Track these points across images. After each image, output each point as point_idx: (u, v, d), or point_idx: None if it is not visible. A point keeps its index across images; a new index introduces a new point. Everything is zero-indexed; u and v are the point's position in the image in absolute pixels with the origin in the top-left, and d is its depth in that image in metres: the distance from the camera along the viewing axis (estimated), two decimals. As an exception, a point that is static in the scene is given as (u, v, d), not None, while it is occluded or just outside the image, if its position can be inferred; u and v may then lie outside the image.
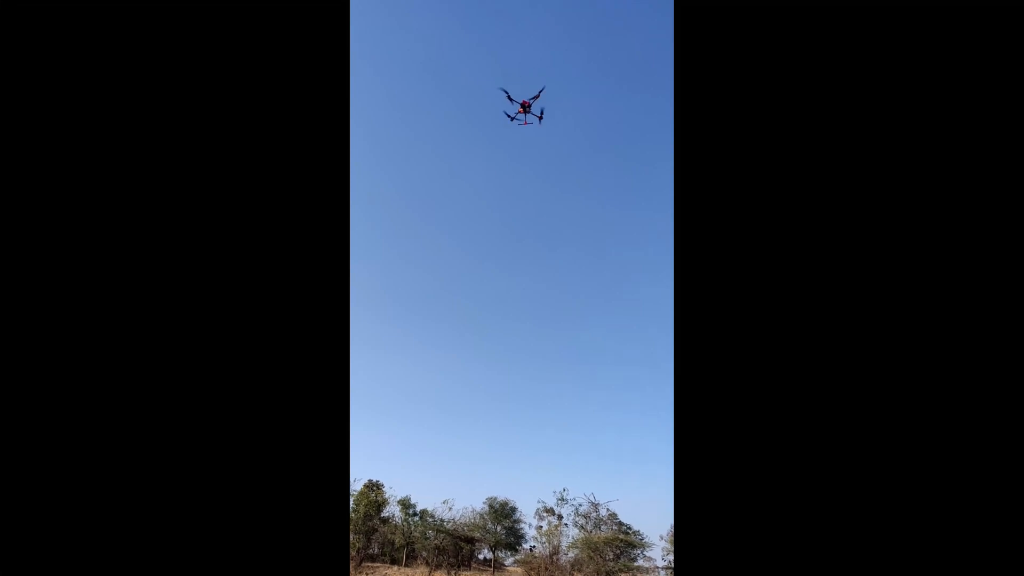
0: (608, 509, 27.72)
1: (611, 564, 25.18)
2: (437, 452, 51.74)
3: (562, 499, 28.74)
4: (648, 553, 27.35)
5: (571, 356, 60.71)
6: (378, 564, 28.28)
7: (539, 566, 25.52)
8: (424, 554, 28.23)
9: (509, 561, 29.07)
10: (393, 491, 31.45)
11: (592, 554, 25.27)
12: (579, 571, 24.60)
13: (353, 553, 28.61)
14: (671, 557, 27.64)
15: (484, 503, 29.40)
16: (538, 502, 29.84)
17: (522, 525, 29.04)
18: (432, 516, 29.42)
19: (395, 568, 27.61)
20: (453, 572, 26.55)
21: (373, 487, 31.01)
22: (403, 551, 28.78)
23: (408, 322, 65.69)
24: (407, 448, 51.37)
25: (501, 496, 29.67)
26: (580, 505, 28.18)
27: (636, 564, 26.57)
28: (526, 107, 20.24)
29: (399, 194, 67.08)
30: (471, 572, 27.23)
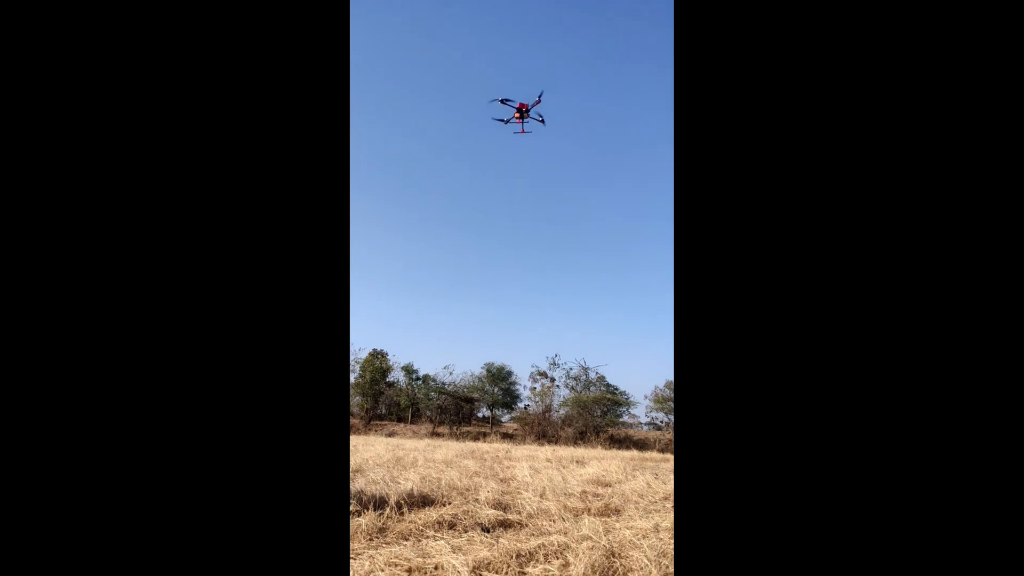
0: (597, 372, 29.76)
1: (599, 420, 27.72)
2: (437, 322, 54.22)
3: (554, 364, 30.73)
4: (633, 411, 30.01)
5: (566, 219, 60.66)
6: (385, 422, 31.11)
7: (532, 422, 28.09)
8: (428, 413, 30.95)
9: (505, 418, 31.91)
10: (397, 358, 33.57)
11: (581, 411, 27.70)
12: (569, 426, 27.11)
13: (362, 413, 31.42)
14: (654, 414, 30.34)
15: (482, 368, 31.54)
16: (532, 367, 32.00)
17: (517, 387, 31.41)
18: (434, 380, 31.76)
19: (401, 425, 30.42)
20: (455, 428, 29.30)
21: (378, 355, 32.99)
22: (408, 411, 31.47)
23: (405, 196, 64.64)
24: (410, 318, 53.75)
25: (498, 361, 31.75)
26: (571, 369, 30.23)
27: (621, 420, 29.24)
28: (523, 111, 17.94)
29: (396, 72, 61.85)
30: (471, 427, 30.03)
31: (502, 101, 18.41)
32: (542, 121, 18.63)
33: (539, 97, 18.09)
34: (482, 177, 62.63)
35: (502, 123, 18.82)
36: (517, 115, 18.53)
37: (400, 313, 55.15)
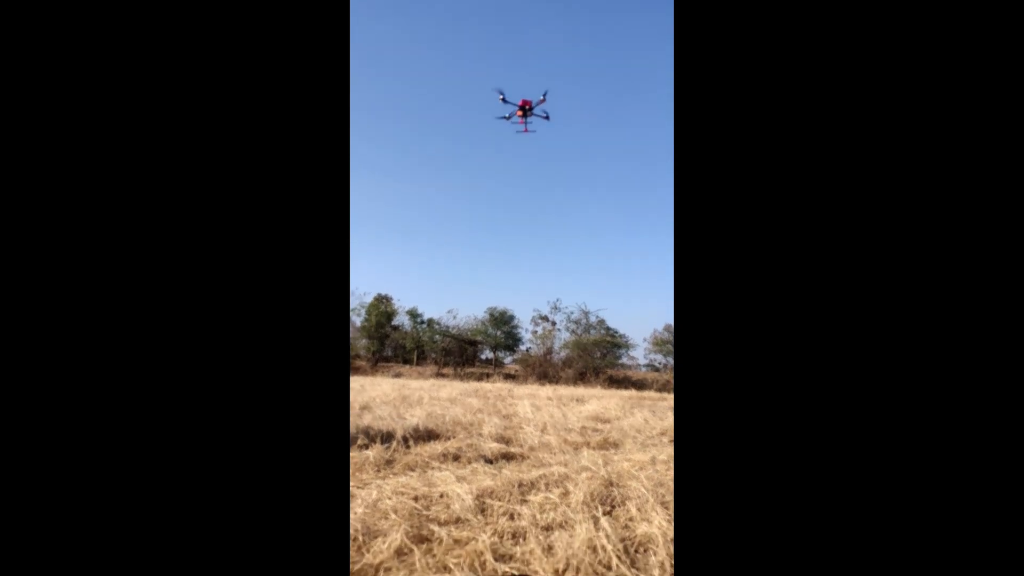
0: (597, 316, 30.11)
1: (598, 361, 28.30)
2: (441, 268, 54.34)
3: (555, 308, 31.04)
4: (632, 353, 30.61)
5: (569, 165, 59.46)
6: (392, 364, 31.85)
7: (534, 363, 28.70)
8: (432, 355, 31.63)
9: (508, 360, 32.61)
10: (401, 303, 33.95)
11: (581, 353, 28.23)
12: (570, 367, 27.71)
13: (369, 355, 32.14)
14: (652, 356, 30.95)
15: (485, 312, 31.93)
16: (533, 311, 32.40)
17: (519, 330, 31.91)
18: (438, 324, 32.27)
19: (407, 366, 31.15)
20: (459, 369, 30.02)
21: (383, 299, 33.31)
22: (413, 353, 32.14)
23: (407, 143, 63.00)
24: (413, 265, 53.86)
25: (500, 306, 32.10)
26: (572, 313, 30.56)
27: (620, 361, 29.87)
28: (525, 109, 16.55)
29: (396, 24, 58.29)
30: (475, 369, 30.76)
31: (502, 99, 17.58)
32: (546, 118, 17.86)
33: (543, 96, 17.27)
34: (482, 120, 60.70)
35: (504, 120, 18.04)
36: (520, 112, 17.71)
37: (404, 260, 55.20)
